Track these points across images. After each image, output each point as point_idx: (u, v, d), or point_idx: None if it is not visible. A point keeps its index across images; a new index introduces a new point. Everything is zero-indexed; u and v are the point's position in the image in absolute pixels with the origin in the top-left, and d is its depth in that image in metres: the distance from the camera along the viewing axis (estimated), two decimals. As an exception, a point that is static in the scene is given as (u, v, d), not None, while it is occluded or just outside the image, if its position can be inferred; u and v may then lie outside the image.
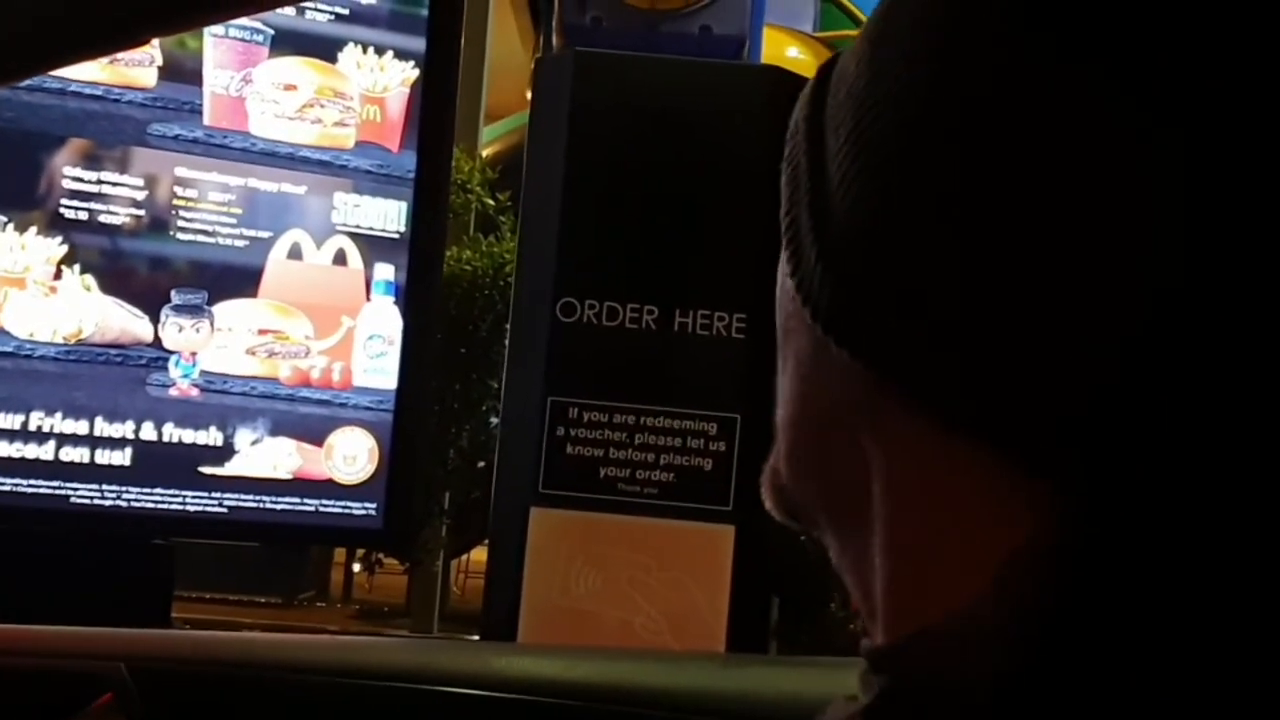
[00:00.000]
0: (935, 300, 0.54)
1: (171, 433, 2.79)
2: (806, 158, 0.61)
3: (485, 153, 5.92)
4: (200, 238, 2.82)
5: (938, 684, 0.52)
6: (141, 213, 2.79)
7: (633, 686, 1.39)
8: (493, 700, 1.35)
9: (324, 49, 2.93)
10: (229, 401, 2.83)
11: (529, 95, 6.72)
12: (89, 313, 2.72)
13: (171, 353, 2.78)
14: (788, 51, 6.45)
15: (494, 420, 4.77)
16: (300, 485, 2.88)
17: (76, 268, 2.73)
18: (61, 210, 2.73)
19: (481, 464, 4.87)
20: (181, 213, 2.81)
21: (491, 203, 5.01)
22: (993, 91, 0.53)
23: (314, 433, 2.90)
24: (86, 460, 2.72)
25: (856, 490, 0.60)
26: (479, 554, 5.82)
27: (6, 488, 2.67)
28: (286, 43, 2.89)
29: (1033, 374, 0.52)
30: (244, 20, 2.82)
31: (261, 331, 2.86)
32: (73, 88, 2.70)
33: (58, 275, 2.71)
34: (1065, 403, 0.52)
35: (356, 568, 6.48)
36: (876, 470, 0.59)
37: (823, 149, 0.60)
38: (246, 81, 2.85)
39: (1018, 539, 0.53)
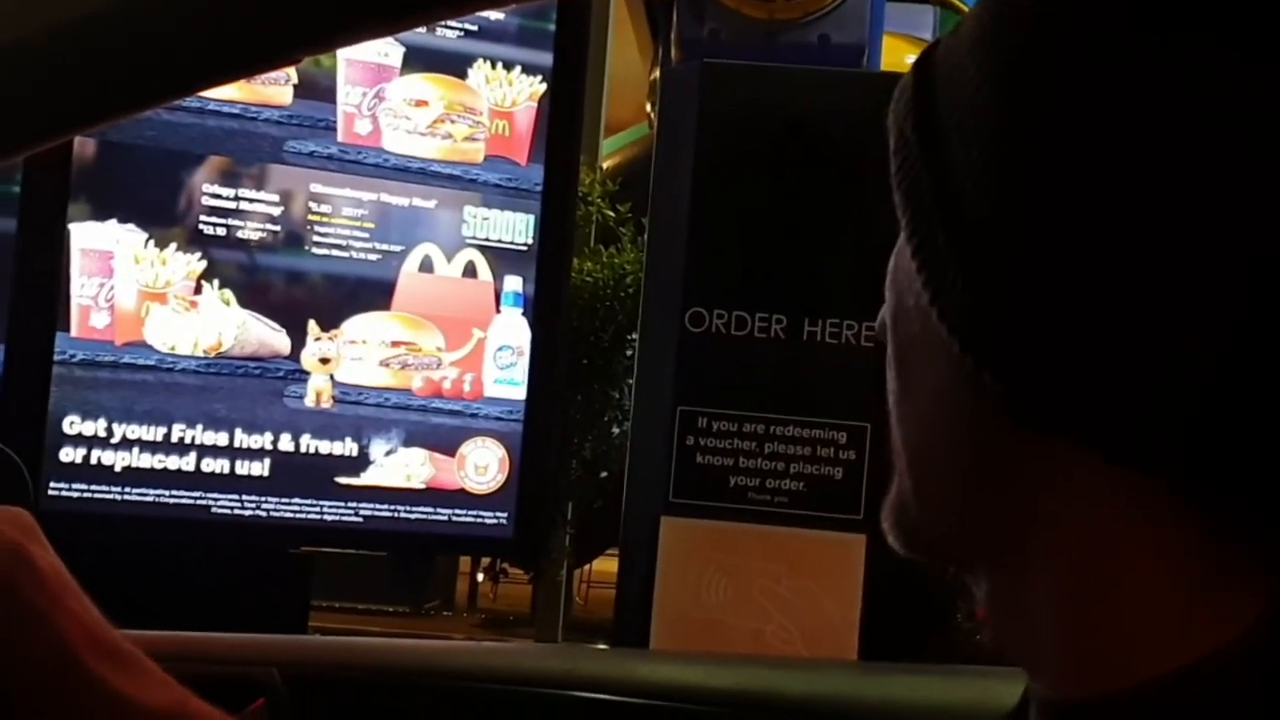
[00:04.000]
0: (1118, 332, 0.50)
1: (308, 444, 2.84)
2: (928, 171, 0.56)
3: (605, 165, 5.96)
4: (335, 252, 2.88)
5: None
6: (278, 228, 2.85)
7: (774, 694, 1.38)
8: (637, 707, 1.35)
9: (454, 65, 2.97)
10: (364, 413, 2.88)
11: (648, 108, 6.75)
12: (228, 326, 2.78)
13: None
14: (907, 59, 6.40)
15: (616, 431, 4.79)
16: (433, 495, 2.92)
17: (215, 282, 2.79)
18: (201, 226, 2.79)
19: (604, 474, 4.89)
20: (316, 228, 2.86)
21: (612, 214, 5.03)
22: (1144, 100, 0.50)
23: (446, 443, 2.93)
24: (227, 471, 2.78)
25: (1011, 531, 0.55)
26: (601, 564, 5.85)
27: (150, 498, 2.74)
28: (417, 59, 2.94)
29: (1244, 413, 0.48)
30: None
31: (394, 344, 2.90)
32: (211, 106, 2.77)
33: (197, 290, 2.78)
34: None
35: (480, 577, 6.54)
36: (1043, 513, 0.54)
37: (946, 161, 0.55)
38: (379, 98, 2.90)
39: (1221, 597, 0.50)
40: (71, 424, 2.69)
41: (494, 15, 2.99)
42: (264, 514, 2.80)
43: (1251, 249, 0.48)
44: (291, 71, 2.81)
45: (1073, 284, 0.51)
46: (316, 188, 2.87)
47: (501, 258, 2.98)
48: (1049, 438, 0.53)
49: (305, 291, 2.88)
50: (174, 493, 2.75)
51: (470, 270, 2.97)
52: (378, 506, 2.89)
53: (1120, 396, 0.50)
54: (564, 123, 3.05)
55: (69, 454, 2.69)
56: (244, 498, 2.79)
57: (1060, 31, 0.52)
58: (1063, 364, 0.51)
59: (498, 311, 2.97)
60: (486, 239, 2.97)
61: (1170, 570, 0.51)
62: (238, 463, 2.79)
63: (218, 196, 2.80)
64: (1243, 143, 0.48)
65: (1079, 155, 0.51)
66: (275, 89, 2.82)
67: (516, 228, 2.99)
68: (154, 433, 2.74)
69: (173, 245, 2.76)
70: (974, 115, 0.54)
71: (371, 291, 2.91)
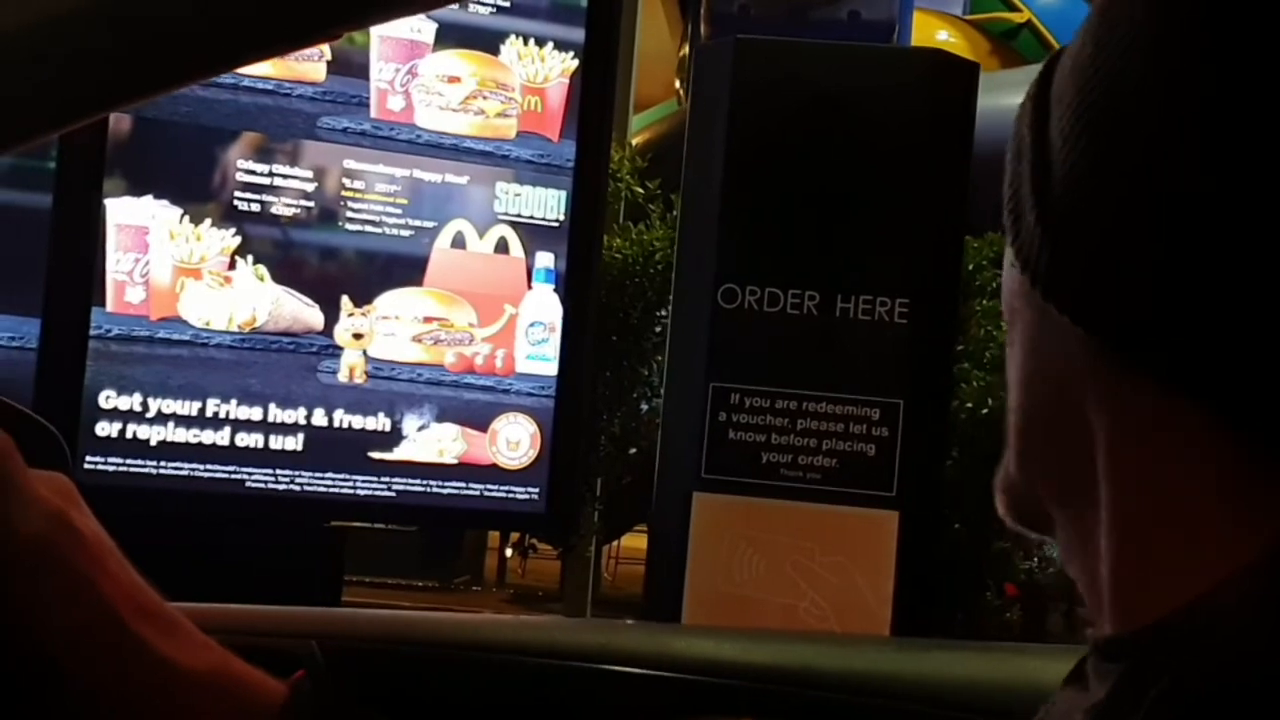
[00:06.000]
0: (1175, 271, 0.52)
1: (342, 419, 2.85)
2: (1030, 130, 0.60)
3: (634, 141, 5.94)
4: (368, 228, 2.89)
5: (1185, 675, 0.51)
6: (311, 204, 2.86)
7: (810, 669, 1.38)
8: (671, 681, 1.35)
9: (486, 41, 2.97)
10: (397, 388, 2.89)
11: (677, 84, 6.73)
12: (262, 302, 2.79)
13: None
14: (938, 35, 6.39)
15: (645, 407, 4.79)
16: (465, 470, 2.93)
17: (250, 258, 2.80)
18: (235, 202, 2.80)
19: (633, 450, 4.89)
20: (350, 204, 2.87)
21: (641, 191, 5.02)
22: (1212, 65, 0.53)
23: (478, 418, 2.94)
24: (261, 446, 2.80)
25: (1081, 468, 0.58)
26: (629, 539, 5.86)
27: (185, 472, 2.75)
28: (450, 36, 2.94)
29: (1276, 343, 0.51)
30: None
31: (427, 319, 2.91)
32: (245, 83, 2.77)
33: (232, 265, 2.79)
34: None
35: (509, 553, 6.56)
36: (1100, 444, 0.57)
37: (1046, 119, 0.59)
38: (412, 74, 2.90)
39: (1261, 523, 0.52)
40: (107, 398, 2.70)
41: (527, -9, 2.99)
42: (298, 488, 2.82)
43: None
44: (325, 48, 2.81)
45: (1130, 227, 0.54)
46: (350, 164, 2.87)
47: (533, 234, 2.98)
48: (1113, 381, 0.56)
49: (338, 267, 2.89)
50: (208, 467, 2.77)
51: (502, 246, 2.97)
52: (410, 481, 2.90)
53: (1181, 328, 0.53)
54: (596, 99, 3.04)
55: (105, 428, 2.70)
56: (278, 472, 2.81)
57: (1156, 8, 0.56)
58: (1131, 300, 0.54)
59: (529, 287, 2.98)
60: (518, 215, 2.98)
61: (1217, 494, 0.54)
62: (272, 437, 2.80)
63: (252, 172, 2.81)
64: None
65: (1142, 114, 0.54)
66: (309, 65, 2.82)
67: (548, 204, 2.99)
68: (189, 407, 2.76)
69: (207, 221, 2.77)
70: (1070, 76, 0.58)
71: (404, 267, 2.91)
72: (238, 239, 2.79)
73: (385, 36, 2.88)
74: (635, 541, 5.32)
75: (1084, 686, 0.59)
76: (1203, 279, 0.52)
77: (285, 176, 2.83)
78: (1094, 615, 0.60)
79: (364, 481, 2.86)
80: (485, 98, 2.96)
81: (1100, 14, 0.59)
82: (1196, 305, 0.52)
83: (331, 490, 2.84)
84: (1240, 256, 0.51)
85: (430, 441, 2.91)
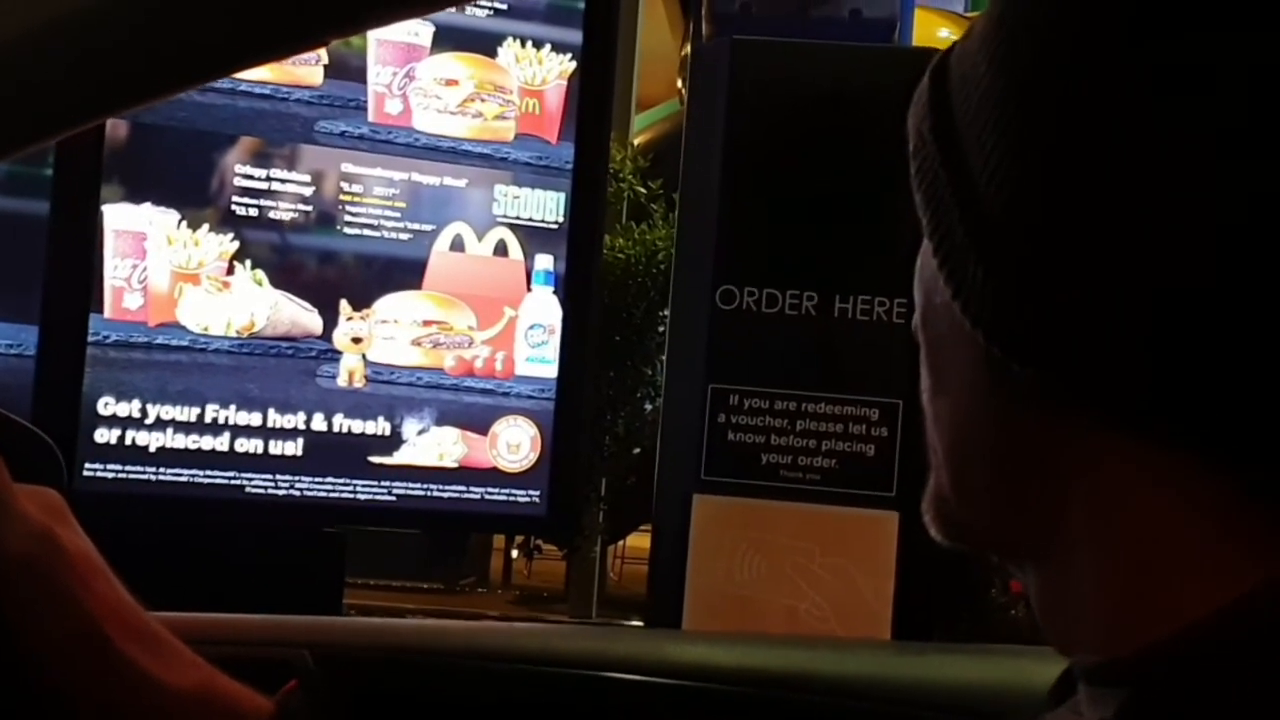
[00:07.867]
0: (1138, 310, 0.51)
1: (341, 423, 2.85)
2: (945, 170, 0.58)
3: (637, 141, 5.94)
4: (366, 232, 2.88)
5: (1190, 697, 0.50)
6: (310, 208, 2.85)
7: (807, 674, 1.38)
8: (669, 687, 1.35)
9: (484, 44, 2.97)
10: (396, 392, 2.89)
11: (679, 84, 6.71)
12: (261, 306, 2.79)
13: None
14: (939, 33, 6.37)
15: (649, 407, 4.79)
16: (466, 473, 2.93)
17: (248, 263, 2.80)
18: (233, 207, 2.80)
19: (637, 450, 4.89)
20: (348, 208, 2.87)
21: (643, 191, 5.02)
22: (1150, 95, 0.51)
23: (478, 422, 2.94)
24: (260, 451, 2.79)
25: (1050, 516, 0.57)
26: (635, 540, 5.85)
27: (184, 479, 2.75)
28: (447, 38, 2.93)
29: (1262, 384, 0.50)
30: (405, 17, 2.86)
31: (426, 323, 2.91)
32: (242, 87, 2.77)
33: (230, 270, 2.78)
34: None
35: (515, 554, 6.56)
36: (1074, 487, 0.56)
37: (961, 159, 0.57)
38: (409, 78, 2.90)
39: (1259, 546, 0.52)
40: (106, 405, 2.70)
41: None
42: (298, 493, 2.82)
43: (1261, 234, 0.50)
44: (322, 52, 2.81)
45: (1090, 270, 0.52)
46: (348, 167, 2.87)
47: (532, 236, 2.98)
48: (1077, 421, 0.54)
49: (337, 271, 2.88)
50: (208, 473, 2.76)
51: (501, 249, 2.97)
52: (411, 485, 2.89)
53: (1142, 372, 0.52)
54: (594, 101, 3.04)
55: (103, 435, 2.70)
56: (277, 477, 2.80)
57: (1066, 28, 0.54)
58: (1085, 346, 0.52)
59: (529, 290, 2.98)
60: (517, 217, 2.98)
61: (1200, 530, 0.53)
62: (271, 443, 2.80)
63: (249, 177, 2.81)
64: (1250, 132, 0.50)
65: (1089, 146, 0.52)
66: (306, 69, 2.82)
67: (547, 206, 2.99)
68: (188, 413, 2.75)
69: (205, 226, 2.77)
70: (986, 113, 0.56)
71: (403, 271, 2.91)
72: (236, 244, 2.79)
73: (382, 40, 2.88)
74: (641, 541, 5.32)
75: (1075, 709, 0.58)
76: (1185, 322, 0.50)
77: (283, 181, 2.83)
78: (1065, 645, 0.59)
79: (364, 486, 2.86)
80: (483, 100, 2.95)
81: (998, 39, 0.57)
82: (1177, 350, 0.51)
83: (331, 495, 2.84)
84: (1218, 290, 0.50)
85: (430, 445, 2.91)
